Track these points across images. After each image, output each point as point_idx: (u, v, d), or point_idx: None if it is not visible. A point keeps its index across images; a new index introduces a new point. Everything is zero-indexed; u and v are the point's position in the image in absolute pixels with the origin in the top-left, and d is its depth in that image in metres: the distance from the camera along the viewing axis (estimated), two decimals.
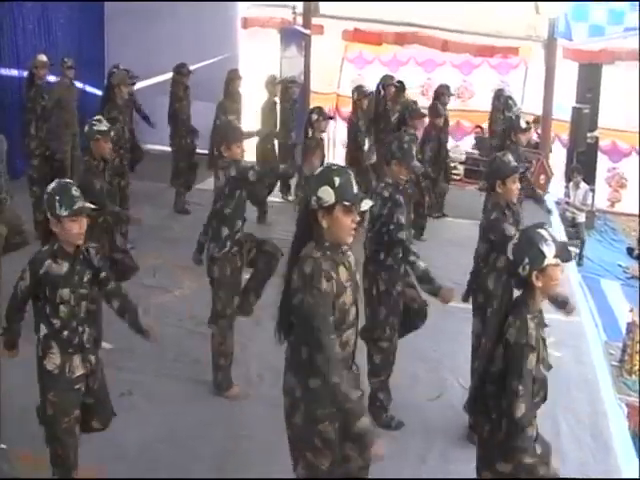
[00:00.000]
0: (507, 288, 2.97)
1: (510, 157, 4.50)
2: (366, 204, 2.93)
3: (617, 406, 5.53)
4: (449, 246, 7.87)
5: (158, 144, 10.30)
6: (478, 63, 13.47)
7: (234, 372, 5.10)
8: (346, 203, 2.85)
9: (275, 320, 3.09)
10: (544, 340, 2.94)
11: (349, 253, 3.05)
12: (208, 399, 4.96)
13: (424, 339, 5.57)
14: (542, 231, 2.91)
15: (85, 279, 3.44)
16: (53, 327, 3.38)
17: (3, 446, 4.23)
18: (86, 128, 5.44)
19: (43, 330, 3.39)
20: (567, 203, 11.41)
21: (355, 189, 2.90)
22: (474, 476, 4.13)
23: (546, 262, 2.84)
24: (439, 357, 5.69)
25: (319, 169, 3.00)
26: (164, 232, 8.20)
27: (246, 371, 5.36)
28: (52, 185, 3.41)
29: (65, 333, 3.39)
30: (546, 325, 2.99)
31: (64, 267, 3.34)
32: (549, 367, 2.97)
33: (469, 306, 6.01)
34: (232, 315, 4.98)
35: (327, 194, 2.85)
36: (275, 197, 9.20)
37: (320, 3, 12.31)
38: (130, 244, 6.39)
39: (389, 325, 4.54)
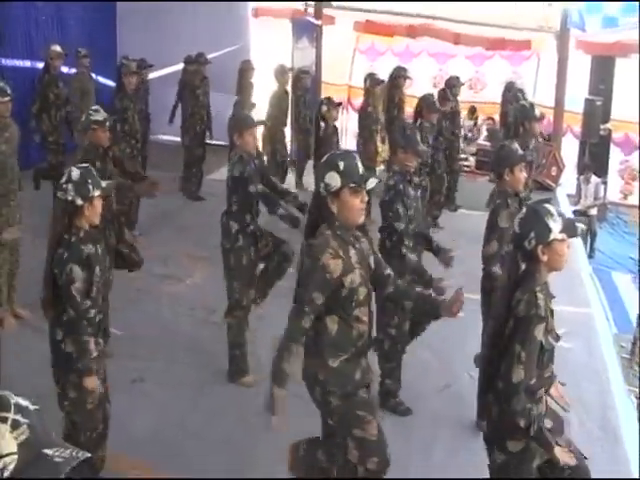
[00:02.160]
0: (514, 262, 2.98)
1: (517, 145, 4.51)
2: (372, 182, 3.00)
3: (627, 398, 5.53)
4: (460, 237, 7.87)
5: (170, 134, 10.35)
6: (490, 55, 13.41)
7: None
8: (352, 185, 2.94)
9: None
10: (552, 312, 2.96)
11: (363, 240, 3.12)
12: (219, 387, 5.01)
13: (433, 329, 5.58)
14: (548, 206, 2.93)
15: (107, 259, 3.63)
16: (80, 310, 3.43)
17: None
18: (83, 118, 5.49)
19: (70, 314, 3.43)
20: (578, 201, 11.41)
21: (360, 170, 2.99)
22: (482, 466, 4.20)
23: (552, 237, 2.86)
24: (448, 348, 5.70)
25: (324, 157, 3.08)
26: (176, 221, 8.27)
27: (257, 361, 5.38)
28: (77, 171, 3.48)
29: (92, 312, 3.47)
30: (553, 296, 3.00)
31: (91, 247, 3.47)
32: (557, 338, 2.99)
33: (479, 297, 6.07)
34: (248, 307, 5.01)
35: (333, 179, 2.94)
36: (290, 187, 9.23)
37: None
38: (139, 232, 6.44)
39: (397, 313, 4.56)
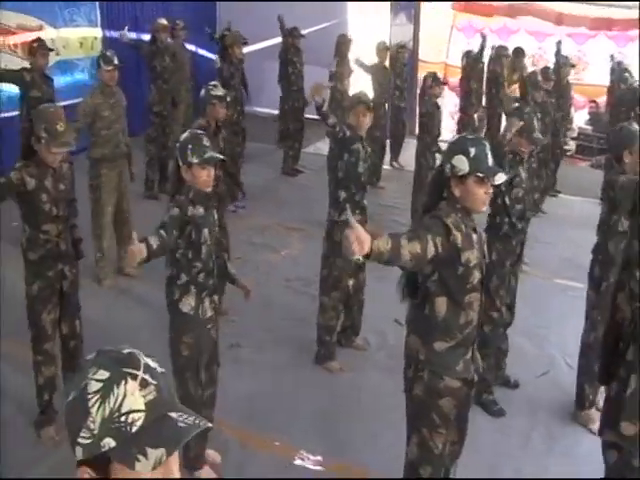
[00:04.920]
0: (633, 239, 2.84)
1: (637, 126, 4.31)
2: (500, 177, 2.89)
3: None
4: (561, 223, 7.66)
5: (266, 107, 10.44)
6: (594, 34, 12.85)
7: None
8: (480, 174, 2.84)
9: (398, 280, 3.08)
10: None
11: (479, 230, 3.03)
12: (312, 360, 5.03)
13: (530, 315, 5.48)
14: None
15: (216, 220, 3.67)
16: (192, 272, 3.52)
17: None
18: (202, 92, 5.58)
19: (183, 278, 3.52)
20: None
21: (490, 161, 2.88)
22: (580, 455, 4.10)
23: None
24: (546, 334, 5.56)
25: (455, 137, 2.99)
26: (272, 193, 8.36)
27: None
28: (185, 134, 3.57)
29: (202, 276, 3.55)
30: None
31: (201, 210, 3.51)
32: None
33: (578, 284, 5.89)
34: (346, 288, 4.96)
35: (462, 163, 2.84)
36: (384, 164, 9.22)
37: None
38: (240, 204, 6.58)
39: (499, 296, 4.47)
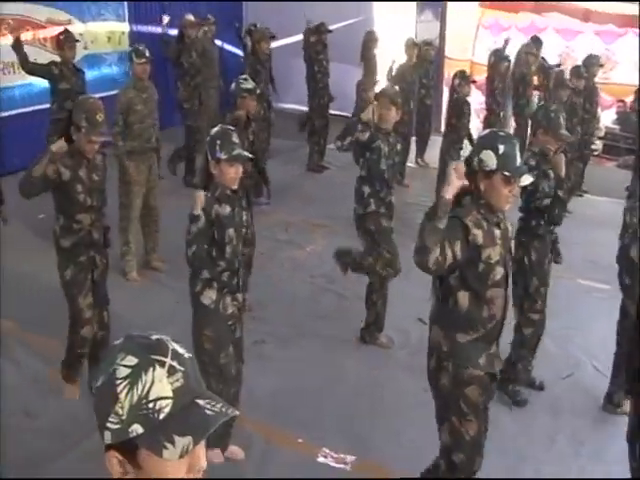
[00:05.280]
0: None
1: None
2: (526, 179, 2.92)
3: None
4: (588, 224, 7.59)
5: (292, 102, 10.45)
6: (623, 32, 12.68)
7: None
8: (506, 173, 2.85)
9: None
10: None
11: (506, 223, 3.03)
12: (336, 356, 5.05)
13: (555, 316, 5.42)
14: None
15: (243, 220, 3.66)
16: (216, 270, 3.54)
17: None
18: (233, 85, 5.61)
19: (205, 275, 3.54)
20: None
21: (518, 160, 2.89)
22: (607, 459, 4.06)
23: None
24: (571, 335, 5.52)
25: (486, 131, 2.99)
26: (297, 189, 8.37)
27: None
28: (215, 129, 3.59)
29: (226, 274, 3.56)
30: None
31: (227, 209, 3.52)
32: None
33: (603, 286, 5.85)
34: (385, 274, 5.04)
35: (489, 159, 2.86)
36: (409, 162, 9.19)
37: None
38: (265, 200, 6.58)
39: (540, 297, 4.45)
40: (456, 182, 2.79)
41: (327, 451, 4.05)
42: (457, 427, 3.04)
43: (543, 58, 8.99)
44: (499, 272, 2.94)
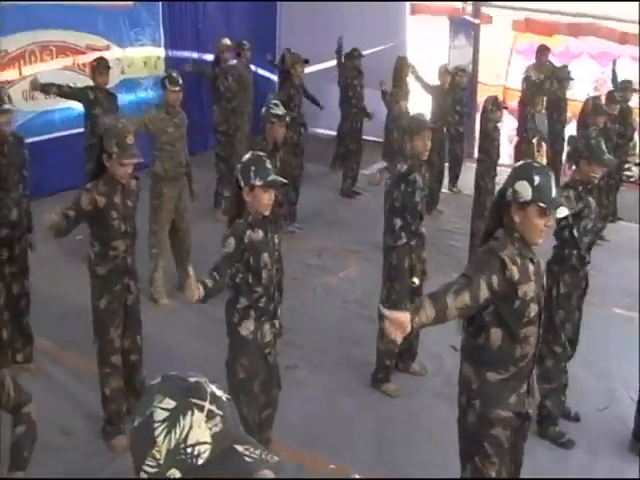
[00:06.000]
0: None
1: None
2: (563, 211, 2.85)
3: None
4: (623, 251, 7.49)
5: (324, 128, 10.51)
6: None
7: None
8: (542, 205, 2.78)
9: None
10: None
11: (537, 258, 2.97)
12: (369, 383, 5.02)
13: (590, 346, 5.34)
14: None
15: (276, 244, 3.67)
16: (253, 297, 3.55)
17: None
18: (263, 110, 5.65)
19: (243, 302, 3.56)
20: None
21: (554, 192, 2.83)
22: None
23: None
24: (607, 366, 5.43)
25: (520, 162, 2.96)
26: (330, 215, 8.39)
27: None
28: (247, 156, 3.58)
29: (263, 300, 3.57)
30: None
31: (260, 234, 3.53)
32: None
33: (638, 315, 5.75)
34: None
35: (525, 190, 2.80)
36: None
37: None
38: (298, 225, 6.61)
39: (565, 330, 4.39)
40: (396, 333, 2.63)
41: (359, 477, 4.03)
42: (479, 468, 2.97)
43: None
44: (533, 309, 2.87)
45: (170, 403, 1.22)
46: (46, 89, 6.67)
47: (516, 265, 2.79)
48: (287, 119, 5.71)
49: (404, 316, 2.61)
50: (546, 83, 8.74)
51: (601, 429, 4.65)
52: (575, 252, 4.29)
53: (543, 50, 9.40)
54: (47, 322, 5.24)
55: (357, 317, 5.92)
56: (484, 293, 2.72)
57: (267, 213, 3.56)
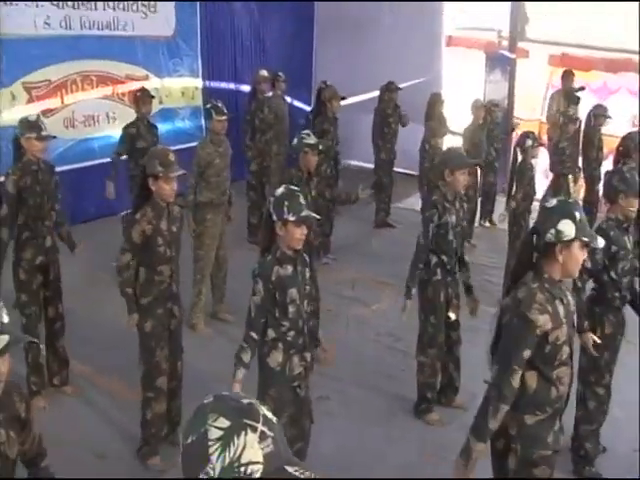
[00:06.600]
0: None
1: None
2: (600, 242, 2.90)
3: None
4: None
5: (358, 159, 10.55)
6: None
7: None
8: (585, 239, 2.83)
9: (489, 344, 3.08)
10: None
11: (568, 294, 2.99)
12: (401, 416, 5.00)
13: (621, 385, 5.23)
14: None
15: (306, 277, 3.66)
16: (280, 330, 3.57)
17: None
18: (295, 141, 5.73)
19: (271, 335, 3.58)
20: None
21: (588, 225, 2.89)
22: None
23: None
24: None
25: (554, 201, 2.94)
26: (364, 247, 8.40)
27: None
28: (281, 190, 3.57)
29: (291, 334, 3.58)
30: None
31: (289, 269, 3.53)
32: None
33: None
34: (441, 345, 4.90)
35: (569, 228, 2.81)
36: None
37: (527, 27, 12.03)
38: (332, 256, 6.63)
39: (609, 371, 4.33)
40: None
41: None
42: None
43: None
44: (565, 351, 2.90)
45: (225, 422, 1.25)
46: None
47: (547, 313, 2.81)
48: (319, 147, 5.77)
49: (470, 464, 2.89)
50: (570, 111, 8.71)
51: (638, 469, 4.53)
52: (617, 294, 4.24)
53: (568, 75, 9.36)
54: (87, 347, 5.34)
55: (390, 350, 5.90)
56: (524, 363, 2.83)
57: (299, 247, 3.56)
